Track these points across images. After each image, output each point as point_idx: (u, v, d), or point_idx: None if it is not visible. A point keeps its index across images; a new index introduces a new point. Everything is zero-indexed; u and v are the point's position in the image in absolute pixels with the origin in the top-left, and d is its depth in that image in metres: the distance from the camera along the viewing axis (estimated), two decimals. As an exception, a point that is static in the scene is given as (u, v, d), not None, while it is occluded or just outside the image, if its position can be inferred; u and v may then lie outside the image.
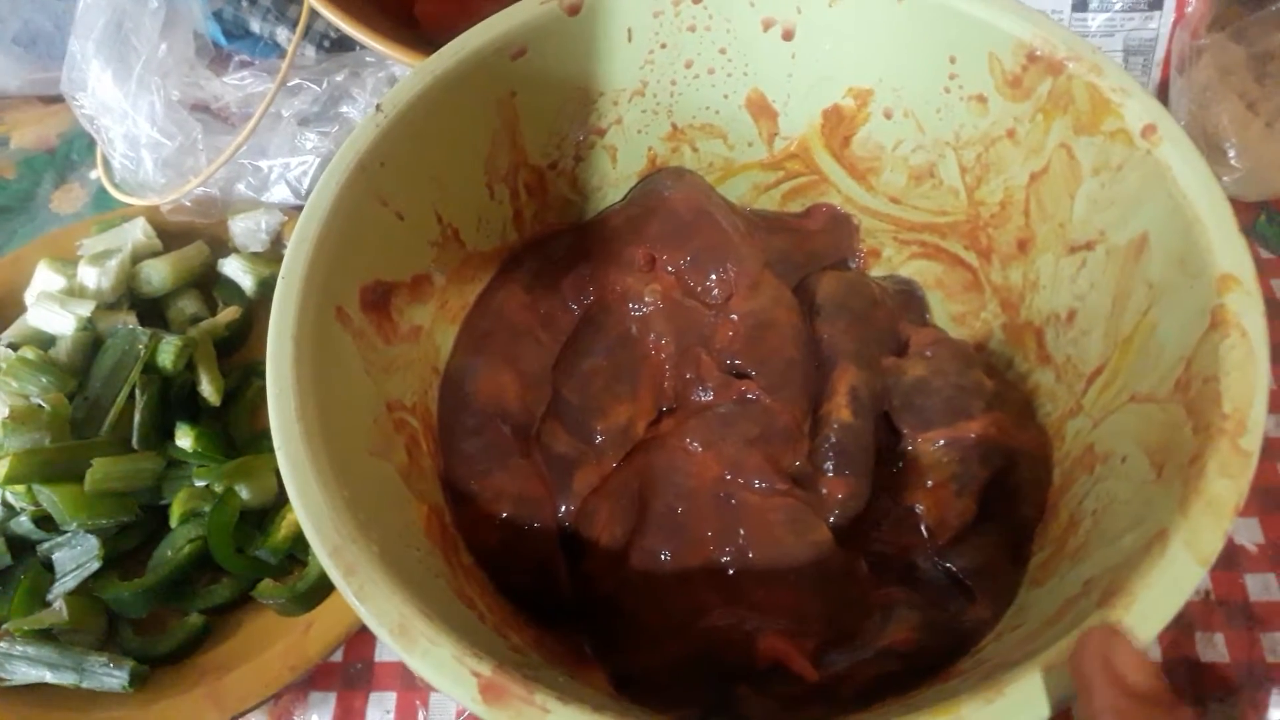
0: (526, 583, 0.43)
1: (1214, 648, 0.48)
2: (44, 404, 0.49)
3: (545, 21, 0.45)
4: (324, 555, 0.32)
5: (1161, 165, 0.38)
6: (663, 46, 0.48)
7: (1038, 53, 0.42)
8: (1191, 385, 0.35)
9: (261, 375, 0.55)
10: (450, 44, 0.44)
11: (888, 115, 0.49)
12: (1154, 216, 0.39)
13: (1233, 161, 0.56)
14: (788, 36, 0.48)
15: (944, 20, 0.44)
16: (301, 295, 0.38)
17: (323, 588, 0.47)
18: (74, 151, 0.72)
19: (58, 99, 0.74)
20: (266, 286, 0.57)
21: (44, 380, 0.50)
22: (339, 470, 0.35)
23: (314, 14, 0.56)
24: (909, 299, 0.53)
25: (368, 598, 0.31)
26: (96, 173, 0.69)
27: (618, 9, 0.47)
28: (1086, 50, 0.41)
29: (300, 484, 0.33)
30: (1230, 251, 0.35)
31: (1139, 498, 0.35)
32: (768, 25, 0.48)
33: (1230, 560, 0.51)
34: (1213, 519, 0.30)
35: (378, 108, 0.42)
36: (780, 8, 0.47)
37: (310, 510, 0.33)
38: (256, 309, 0.58)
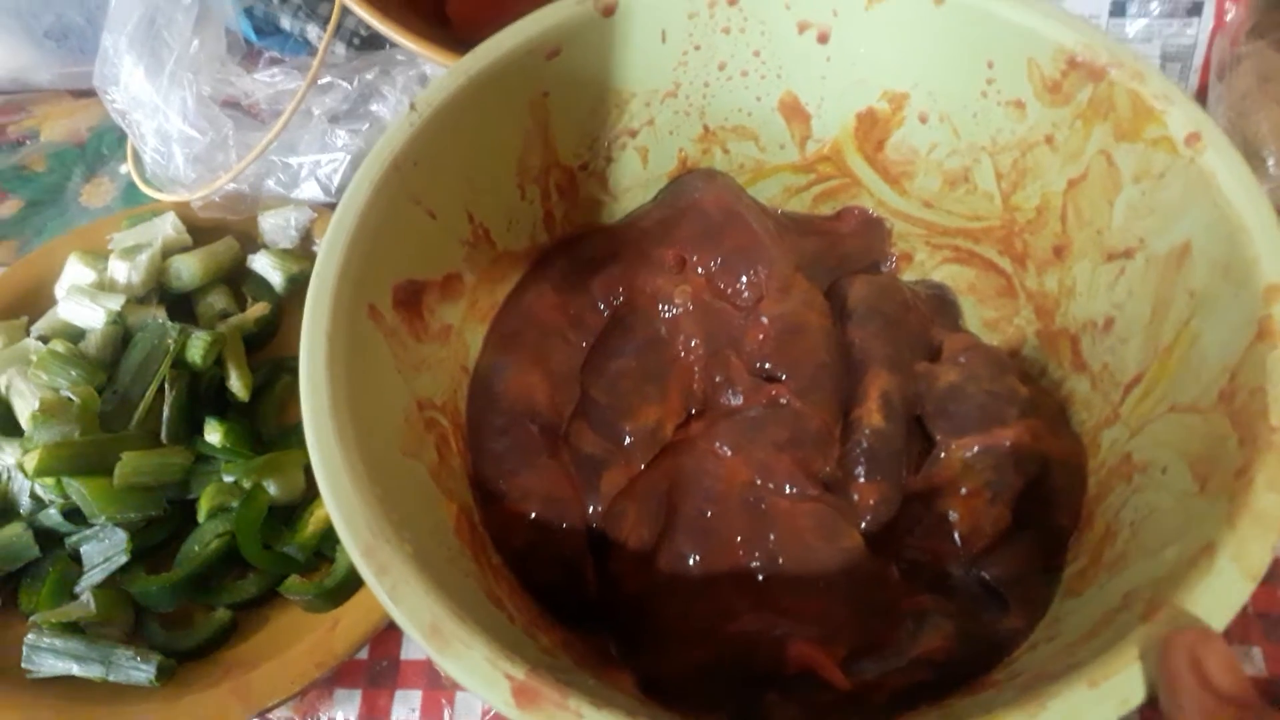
0: (554, 582, 0.42)
1: (1251, 661, 0.48)
2: (74, 397, 0.50)
3: (580, 22, 0.45)
4: (357, 554, 0.32)
5: (1206, 174, 0.38)
6: (696, 48, 0.48)
7: (1078, 59, 0.42)
8: (1237, 396, 0.34)
9: (290, 371, 0.56)
10: (485, 44, 0.44)
11: (923, 119, 0.49)
12: (1197, 225, 0.38)
13: (1271, 170, 0.55)
14: (823, 39, 0.48)
15: (983, 25, 0.44)
16: (335, 292, 0.38)
17: (349, 584, 0.47)
18: (104, 145, 0.72)
19: (88, 93, 0.75)
20: (295, 282, 0.58)
21: (74, 373, 0.50)
22: (371, 468, 0.34)
23: (345, 11, 0.56)
24: (941, 304, 0.53)
25: (400, 598, 0.31)
26: (126, 167, 0.70)
27: (653, 10, 0.46)
28: (1128, 57, 0.41)
29: (333, 482, 0.33)
30: (1278, 261, 0.34)
31: (1181, 510, 0.35)
32: (803, 28, 0.48)
33: (1268, 572, 0.50)
34: (1261, 533, 0.29)
35: (411, 107, 0.42)
36: (816, 11, 0.47)
37: (343, 509, 0.32)
38: (285, 305, 0.58)
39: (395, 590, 0.31)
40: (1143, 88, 0.40)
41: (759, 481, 0.43)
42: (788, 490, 0.42)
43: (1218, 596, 0.28)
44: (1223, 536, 0.30)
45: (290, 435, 0.52)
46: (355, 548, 0.32)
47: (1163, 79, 0.40)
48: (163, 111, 0.55)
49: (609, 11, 0.45)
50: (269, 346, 0.58)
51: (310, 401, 0.35)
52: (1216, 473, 0.34)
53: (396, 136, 0.42)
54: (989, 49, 0.45)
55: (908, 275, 0.54)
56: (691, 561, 0.41)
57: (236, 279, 0.59)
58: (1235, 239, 0.36)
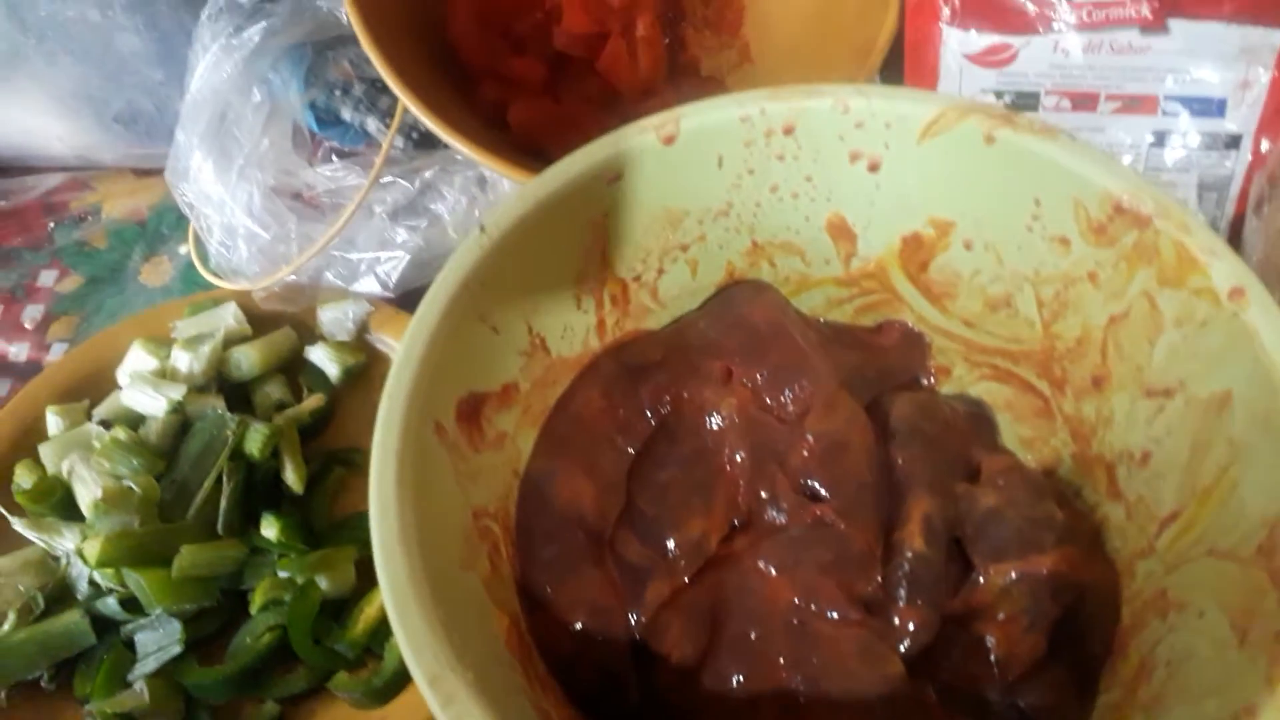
0: (597, 693, 0.43)
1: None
2: (135, 486, 0.51)
3: (642, 149, 0.47)
4: (423, 683, 0.33)
5: (1249, 329, 0.39)
6: (750, 172, 0.50)
7: (1124, 205, 0.43)
8: (1276, 553, 0.35)
9: (343, 463, 0.57)
10: (551, 169, 0.46)
11: (968, 246, 0.50)
12: (1238, 376, 0.40)
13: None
14: (874, 168, 0.50)
15: (1032, 165, 0.46)
16: (405, 413, 0.39)
17: (397, 683, 0.48)
18: (164, 225, 0.74)
19: (150, 171, 0.77)
20: (350, 374, 0.59)
21: (135, 462, 0.52)
22: (435, 591, 0.36)
23: (405, 109, 0.58)
24: (979, 421, 0.54)
25: (464, 728, 0.32)
26: (185, 248, 0.72)
27: (711, 138, 0.48)
28: (1175, 208, 0.42)
29: (401, 609, 0.34)
30: (1318, 422, 0.36)
31: (1220, 660, 0.36)
32: (855, 157, 0.49)
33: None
34: (1302, 703, 0.30)
35: (481, 228, 0.44)
36: (869, 142, 0.49)
37: (411, 638, 0.34)
38: (340, 396, 0.60)
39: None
40: (1188, 239, 0.41)
41: (803, 603, 0.44)
42: (831, 615, 0.43)
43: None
44: (1263, 701, 0.31)
45: (341, 528, 0.54)
46: (422, 676, 0.33)
47: (1208, 232, 0.41)
48: (230, 207, 0.58)
49: (670, 140, 0.47)
50: (321, 437, 0.59)
51: (380, 526, 0.36)
52: (1255, 628, 0.34)
53: (466, 258, 0.43)
54: (1036, 187, 0.46)
55: (945, 388, 0.56)
56: (735, 681, 0.42)
57: (293, 368, 0.61)
58: (1277, 395, 0.37)
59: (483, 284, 0.44)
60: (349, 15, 0.56)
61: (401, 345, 0.41)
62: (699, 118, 0.48)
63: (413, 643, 0.34)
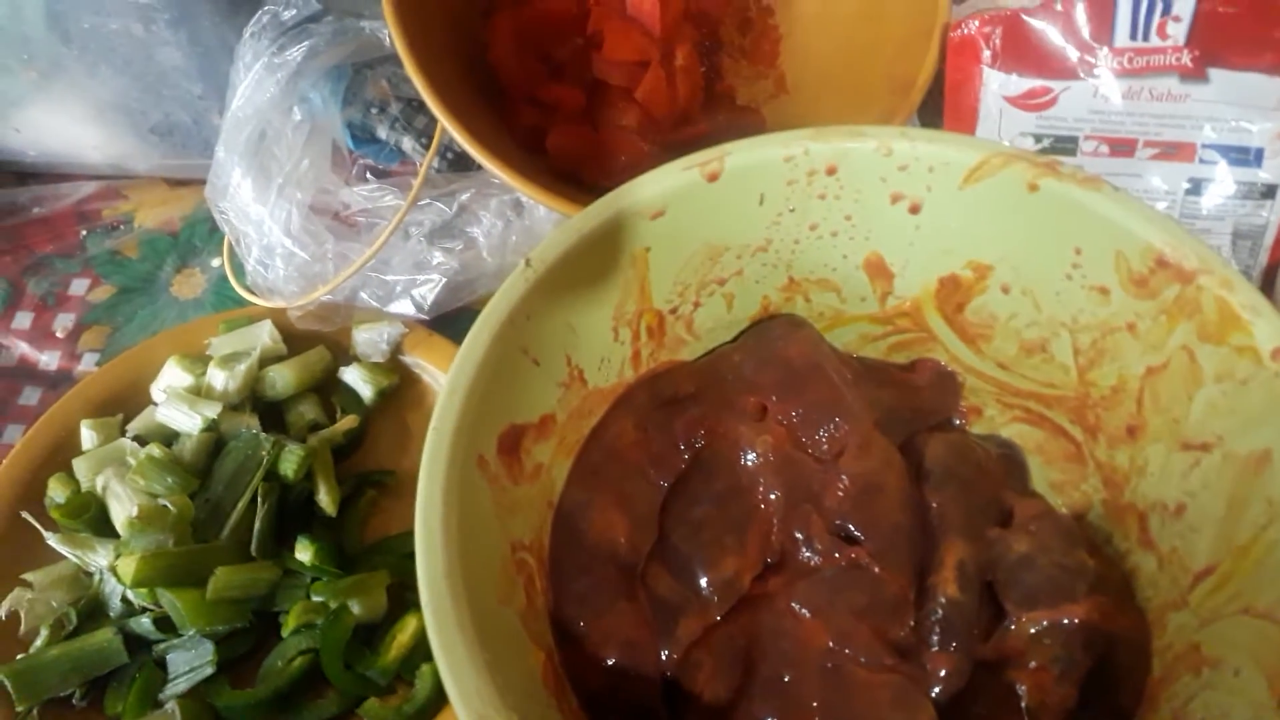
0: (627, 729, 0.44)
1: None
2: (170, 505, 0.51)
3: (685, 186, 0.48)
4: (469, 724, 0.33)
5: (1292, 390, 0.39)
6: (791, 210, 0.50)
7: (1167, 259, 0.44)
8: (1317, 617, 0.35)
9: (374, 485, 0.58)
10: (595, 204, 0.47)
11: (1005, 290, 0.51)
12: (1279, 436, 0.40)
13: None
14: (914, 210, 0.50)
15: (1074, 214, 0.46)
16: (452, 447, 0.40)
17: (429, 711, 0.48)
18: (196, 237, 0.75)
19: (183, 183, 0.78)
20: (384, 396, 0.60)
21: (169, 481, 0.52)
22: (478, 628, 0.36)
23: (443, 130, 0.58)
24: (1011, 463, 0.54)
25: (510, 771, 0.32)
26: (218, 261, 0.72)
27: (754, 176, 0.49)
28: (1218, 264, 0.42)
29: (447, 648, 0.35)
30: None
31: (1258, 723, 0.36)
32: (896, 199, 0.50)
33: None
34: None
35: (527, 263, 0.45)
36: (911, 185, 0.49)
37: (458, 679, 0.34)
38: (373, 417, 0.60)
39: (505, 763, 0.33)
40: (1231, 296, 0.42)
41: (837, 647, 0.44)
42: (864, 659, 0.44)
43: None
44: (1307, 770, 0.31)
45: (373, 552, 0.54)
46: (468, 718, 0.33)
47: (1251, 290, 0.42)
48: (268, 225, 0.58)
49: (714, 178, 0.48)
50: (353, 458, 0.59)
51: (426, 562, 0.36)
52: (1297, 693, 0.35)
53: (512, 292, 0.44)
54: (1078, 237, 0.47)
55: (976, 428, 0.56)
56: (768, 724, 0.42)
57: (326, 388, 0.61)
58: (1319, 458, 0.37)
59: (527, 317, 0.44)
60: (393, 38, 0.57)
61: (448, 378, 0.41)
62: (743, 156, 0.48)
63: (459, 683, 0.34)
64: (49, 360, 0.70)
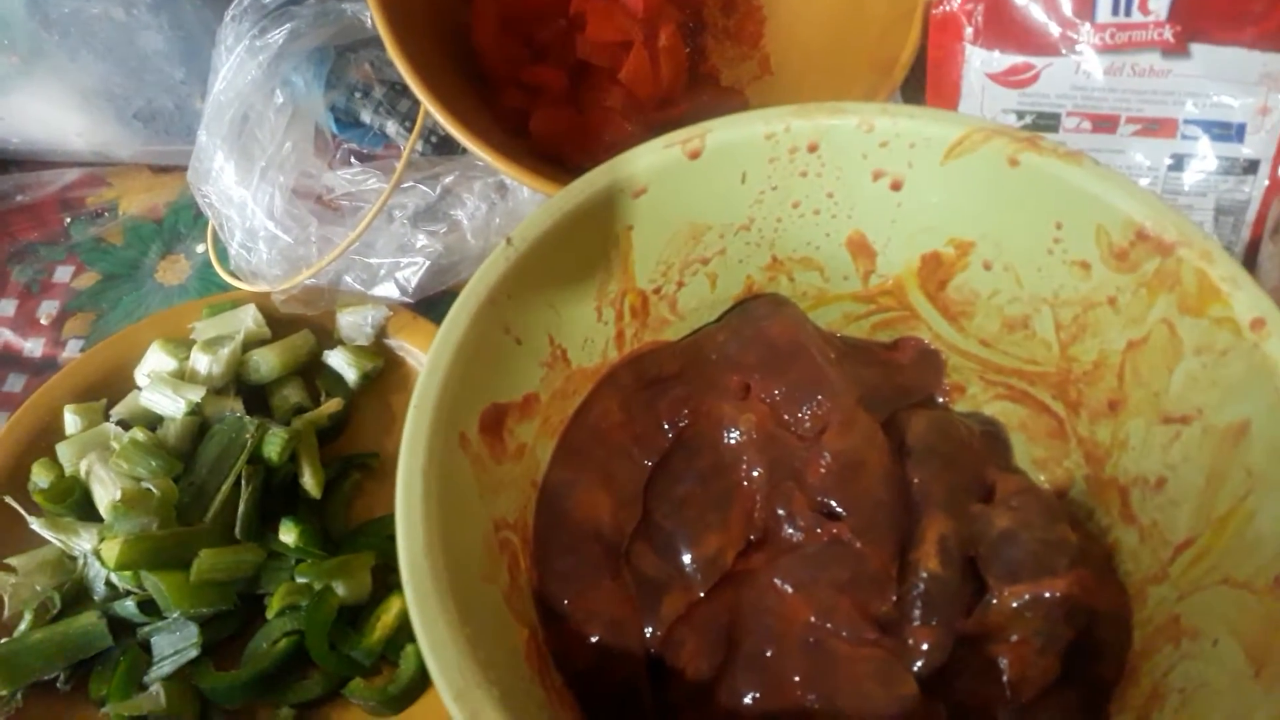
0: (613, 706, 0.44)
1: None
2: (153, 488, 0.51)
3: (667, 164, 0.48)
4: (449, 699, 0.33)
5: (1270, 360, 0.39)
6: (773, 188, 0.50)
7: (1147, 232, 0.44)
8: (1294, 585, 0.36)
9: (359, 468, 0.58)
10: (577, 182, 0.46)
11: (987, 266, 0.51)
12: (1257, 407, 0.40)
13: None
14: (896, 187, 0.50)
15: (1055, 189, 0.46)
16: (432, 425, 0.40)
17: (413, 691, 0.49)
18: (180, 223, 0.74)
19: (166, 169, 0.77)
20: (368, 379, 0.60)
21: (153, 464, 0.52)
22: (460, 605, 0.36)
23: (427, 113, 0.58)
24: (993, 440, 0.54)
25: (491, 744, 0.32)
26: (203, 247, 0.72)
27: (735, 154, 0.49)
28: (1198, 236, 0.42)
29: (428, 623, 0.35)
30: (1339, 457, 0.36)
31: (1235, 691, 0.36)
32: (877, 176, 0.50)
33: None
34: (1323, 741, 0.30)
35: (507, 241, 0.44)
36: (892, 161, 0.49)
37: (438, 653, 0.34)
38: (357, 400, 0.60)
39: (486, 736, 0.33)
40: (1210, 268, 0.42)
41: (819, 622, 0.44)
42: (846, 633, 0.44)
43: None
44: (1283, 734, 0.31)
45: (358, 534, 0.54)
46: (448, 692, 0.33)
47: (1230, 261, 0.42)
48: (251, 209, 0.58)
49: (695, 155, 0.48)
50: (338, 441, 0.59)
51: (406, 540, 0.36)
52: (1272, 661, 0.35)
53: (493, 270, 0.44)
54: (1059, 211, 0.47)
55: (959, 406, 0.56)
56: (750, 699, 0.42)
57: (310, 371, 0.61)
58: (1296, 428, 0.38)
59: (509, 296, 0.44)
60: (375, 20, 0.56)
61: (429, 357, 0.41)
62: (725, 133, 0.48)
63: (439, 658, 0.34)
64: (33, 347, 0.70)
